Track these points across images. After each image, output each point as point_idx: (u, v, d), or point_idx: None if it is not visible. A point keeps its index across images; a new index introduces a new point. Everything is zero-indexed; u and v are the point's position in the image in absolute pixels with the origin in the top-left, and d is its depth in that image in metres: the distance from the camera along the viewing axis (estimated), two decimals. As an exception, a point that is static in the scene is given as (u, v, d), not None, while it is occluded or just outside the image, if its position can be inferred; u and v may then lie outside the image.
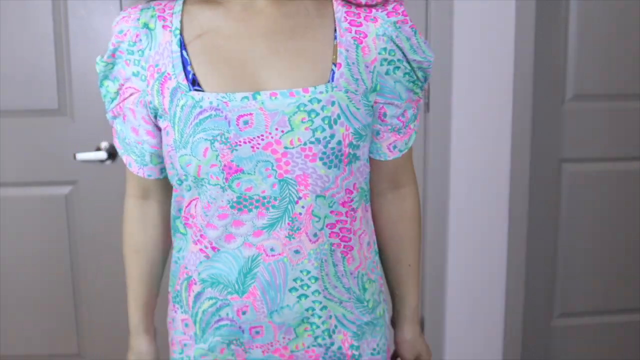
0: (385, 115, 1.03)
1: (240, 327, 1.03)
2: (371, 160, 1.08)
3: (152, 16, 0.99)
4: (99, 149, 2.10)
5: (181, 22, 0.99)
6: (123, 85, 1.02)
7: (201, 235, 1.02)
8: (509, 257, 2.26)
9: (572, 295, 2.43)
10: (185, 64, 0.97)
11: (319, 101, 0.94)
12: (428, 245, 2.26)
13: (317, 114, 0.94)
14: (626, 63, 2.28)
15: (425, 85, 1.06)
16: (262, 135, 0.94)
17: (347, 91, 0.96)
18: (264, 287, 1.00)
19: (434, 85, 2.15)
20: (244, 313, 1.02)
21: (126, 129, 1.04)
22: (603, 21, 2.23)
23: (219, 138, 0.94)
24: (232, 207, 0.97)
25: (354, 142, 0.97)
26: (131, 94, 1.01)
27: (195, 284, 1.05)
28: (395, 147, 1.07)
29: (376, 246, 1.12)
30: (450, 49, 2.12)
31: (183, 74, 0.96)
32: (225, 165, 0.95)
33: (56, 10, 2.02)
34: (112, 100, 1.04)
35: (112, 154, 2.10)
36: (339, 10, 1.00)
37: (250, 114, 0.94)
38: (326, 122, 0.95)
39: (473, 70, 2.13)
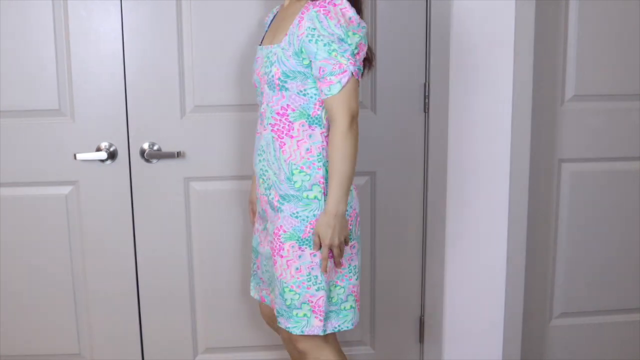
0: (312, 68, 1.61)
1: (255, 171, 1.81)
2: None
3: (278, 7, 1.85)
4: (99, 149, 2.10)
5: (277, 11, 1.85)
6: None
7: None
8: (508, 257, 2.26)
9: (572, 295, 2.43)
10: (266, 30, 1.85)
11: (271, 52, 1.66)
12: (428, 245, 2.27)
13: (269, 59, 1.66)
14: (626, 63, 2.28)
15: (347, 53, 1.57)
16: (258, 68, 1.73)
17: (283, 49, 1.63)
18: (256, 149, 1.77)
19: (434, 85, 2.15)
20: (253, 162, 1.82)
21: None
22: (603, 21, 2.24)
23: (253, 68, 1.78)
24: (259, 103, 1.76)
25: (282, 78, 1.64)
26: None
27: None
28: (322, 90, 1.61)
29: (323, 155, 1.66)
30: (450, 48, 2.12)
31: (263, 36, 1.85)
32: (253, 82, 1.77)
33: (56, 10, 2.02)
34: None
35: (112, 153, 2.10)
36: (304, 7, 1.62)
37: (259, 57, 1.74)
38: (269, 63, 1.66)
39: (473, 70, 2.14)
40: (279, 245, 1.67)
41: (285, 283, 1.68)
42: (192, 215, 2.18)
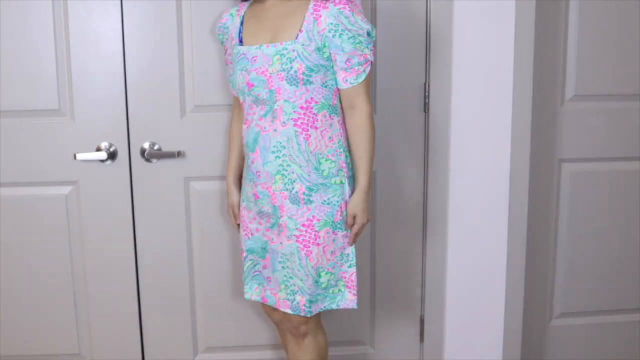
0: (336, 60, 1.73)
1: (252, 171, 1.82)
2: (339, 90, 1.77)
3: (236, 9, 1.88)
4: (99, 149, 2.10)
5: (246, 11, 1.85)
6: (224, 45, 1.92)
7: (245, 119, 1.84)
8: (509, 257, 2.26)
9: (572, 295, 2.43)
10: (240, 32, 1.83)
11: (286, 49, 1.71)
12: (428, 245, 2.27)
13: (284, 55, 1.71)
14: (626, 63, 2.28)
15: (369, 45, 1.72)
16: (261, 67, 1.74)
17: (302, 44, 1.71)
18: (261, 148, 1.78)
19: (434, 85, 2.15)
20: (253, 162, 1.81)
21: (228, 69, 1.90)
22: (603, 21, 2.24)
23: (244, 68, 1.77)
24: (253, 103, 1.79)
25: (306, 72, 1.71)
26: (227, 49, 1.90)
27: (244, 146, 1.86)
28: (346, 80, 1.74)
29: (342, 141, 1.79)
30: (450, 49, 2.12)
31: (238, 37, 1.83)
32: (247, 82, 1.77)
33: (56, 10, 2.02)
34: (224, 54, 1.93)
35: (112, 153, 2.10)
36: (311, 4, 1.72)
37: (257, 56, 1.75)
38: (287, 60, 1.71)
39: (473, 71, 2.13)
40: (314, 234, 1.76)
41: (321, 268, 1.79)
42: (192, 215, 2.18)
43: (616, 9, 2.23)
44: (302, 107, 1.73)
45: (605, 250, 2.42)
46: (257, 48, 1.75)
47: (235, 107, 1.96)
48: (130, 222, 2.16)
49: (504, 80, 2.15)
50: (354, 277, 1.83)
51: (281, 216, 1.78)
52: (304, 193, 1.75)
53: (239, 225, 1.96)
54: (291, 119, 1.73)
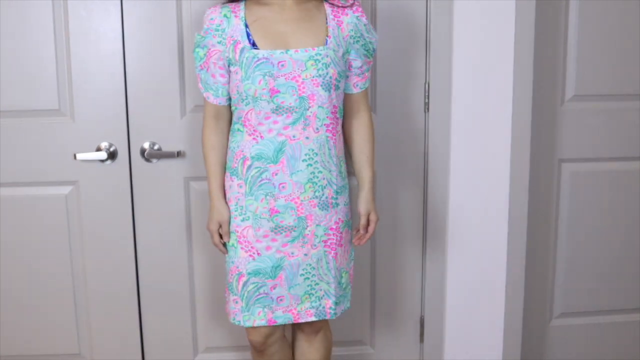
0: (352, 65, 1.80)
1: (273, 184, 1.75)
2: (345, 94, 1.83)
3: (229, 10, 1.74)
4: (99, 149, 2.10)
5: (245, 13, 1.73)
6: (210, 49, 1.75)
7: (254, 130, 1.74)
8: (509, 257, 2.26)
9: (572, 295, 2.43)
10: (248, 35, 1.72)
11: (320, 54, 1.71)
12: (428, 245, 2.27)
13: (319, 61, 1.70)
14: (626, 63, 2.28)
15: (374, 53, 1.83)
16: (291, 72, 1.69)
17: (334, 50, 1.73)
18: (289, 157, 1.73)
19: (434, 85, 2.15)
20: (275, 174, 1.74)
21: (208, 75, 1.78)
22: (603, 21, 2.24)
23: (268, 73, 1.69)
24: (272, 112, 1.71)
25: (338, 78, 1.75)
26: (215, 53, 1.74)
27: (248, 159, 1.76)
28: (357, 85, 1.83)
29: (343, 143, 1.86)
30: (450, 49, 2.12)
31: (247, 40, 1.72)
32: (270, 89, 1.69)
33: (56, 10, 2.02)
34: (201, 59, 1.77)
35: (112, 153, 2.10)
36: (328, 9, 1.77)
37: (284, 60, 1.69)
38: (324, 65, 1.71)
39: (473, 70, 2.13)
40: (339, 236, 1.83)
41: (343, 269, 1.87)
42: (192, 215, 2.18)
43: (616, 9, 2.23)
44: (332, 113, 1.76)
45: (605, 250, 2.42)
46: (282, 52, 1.69)
47: (211, 117, 1.82)
48: (130, 222, 2.16)
49: (504, 80, 2.15)
50: (352, 270, 1.94)
51: (307, 226, 1.78)
52: (332, 197, 1.79)
53: (224, 244, 1.85)
54: (324, 124, 1.75)
